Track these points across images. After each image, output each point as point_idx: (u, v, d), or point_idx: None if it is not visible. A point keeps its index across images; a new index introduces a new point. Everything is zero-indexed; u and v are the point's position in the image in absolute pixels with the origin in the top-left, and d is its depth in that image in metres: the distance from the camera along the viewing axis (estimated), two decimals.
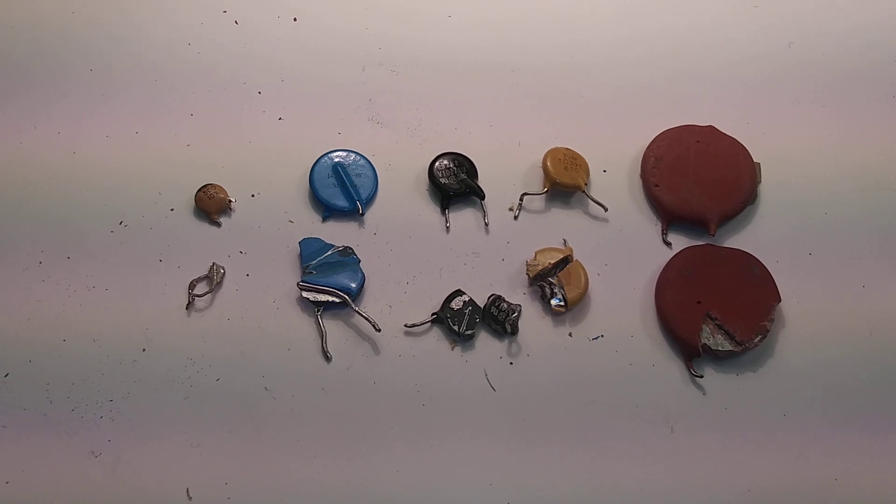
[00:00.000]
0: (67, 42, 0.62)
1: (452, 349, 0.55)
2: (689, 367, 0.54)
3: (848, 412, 0.53)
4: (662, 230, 0.58)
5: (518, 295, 0.56)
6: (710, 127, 0.60)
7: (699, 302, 0.55)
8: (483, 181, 0.59)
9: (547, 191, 0.58)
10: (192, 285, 0.55)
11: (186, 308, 0.55)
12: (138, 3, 0.64)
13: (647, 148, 0.59)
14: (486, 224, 0.58)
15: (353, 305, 0.54)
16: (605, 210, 0.58)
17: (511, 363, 0.54)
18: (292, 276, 0.56)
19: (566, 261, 0.56)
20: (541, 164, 0.58)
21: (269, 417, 0.52)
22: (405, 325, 0.55)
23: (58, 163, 0.59)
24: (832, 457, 0.52)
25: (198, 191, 0.57)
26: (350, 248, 0.56)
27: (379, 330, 0.54)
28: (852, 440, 0.53)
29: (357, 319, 0.55)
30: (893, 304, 0.56)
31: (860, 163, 0.60)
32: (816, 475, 0.52)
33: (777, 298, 0.55)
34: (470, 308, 0.55)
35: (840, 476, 0.52)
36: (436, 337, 0.55)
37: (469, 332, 0.54)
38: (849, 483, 0.52)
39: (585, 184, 0.58)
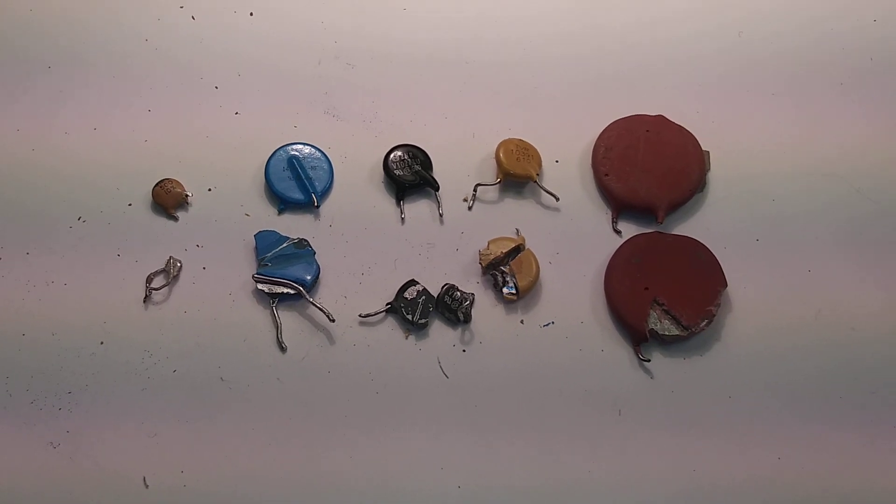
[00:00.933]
0: (25, 39, 0.63)
1: (406, 338, 0.56)
2: (637, 352, 0.55)
3: (792, 395, 0.55)
4: (612, 219, 0.59)
5: (471, 284, 0.57)
6: (660, 116, 0.61)
7: (647, 288, 0.56)
8: (437, 173, 0.60)
9: (500, 181, 0.59)
10: (149, 279, 0.56)
11: (144, 301, 0.56)
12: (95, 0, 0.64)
13: (598, 138, 0.60)
14: (441, 215, 0.59)
15: (307, 296, 0.55)
16: (557, 200, 0.59)
17: (464, 351, 0.55)
18: (248, 268, 0.57)
19: (518, 250, 0.57)
20: (494, 156, 0.59)
21: (224, 407, 0.53)
22: (360, 315, 0.56)
23: (16, 159, 0.59)
24: (776, 438, 0.53)
25: (155, 185, 0.58)
26: (305, 240, 0.57)
27: (333, 320, 0.55)
28: (796, 422, 0.54)
29: (312, 310, 0.56)
30: (838, 289, 0.57)
31: (807, 151, 0.61)
32: (760, 456, 0.53)
33: (723, 284, 0.56)
34: (424, 297, 0.56)
35: (783, 456, 0.53)
36: (390, 326, 0.56)
37: (423, 321, 0.55)
38: (791, 463, 0.53)
39: (537, 174, 0.59)
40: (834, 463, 0.53)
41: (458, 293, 0.56)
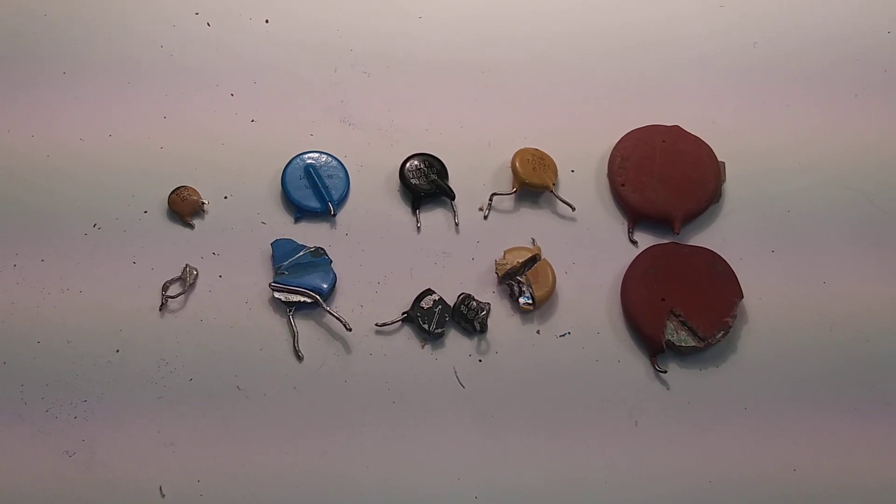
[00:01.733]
0: (40, 45, 0.63)
1: (422, 347, 0.56)
2: (653, 363, 0.55)
3: (807, 406, 0.55)
4: (628, 229, 0.59)
5: (487, 294, 0.57)
6: (676, 127, 0.61)
7: (663, 299, 0.56)
8: (453, 181, 0.60)
9: (516, 191, 0.59)
10: (165, 286, 0.56)
11: (160, 309, 0.56)
12: (111, 5, 0.64)
13: (614, 148, 0.60)
14: (457, 224, 0.59)
15: (324, 305, 0.55)
16: (573, 209, 0.59)
17: (480, 360, 0.55)
18: (265, 276, 0.57)
19: (534, 260, 0.57)
20: (510, 165, 0.59)
21: (241, 416, 0.53)
22: (376, 325, 0.56)
23: (31, 166, 0.59)
24: (791, 449, 0.53)
25: (171, 193, 0.58)
26: (322, 249, 0.57)
27: (350, 329, 0.55)
28: (811, 433, 0.54)
29: (328, 319, 0.56)
30: (854, 301, 0.57)
31: (823, 161, 0.61)
32: (776, 467, 0.53)
33: (739, 295, 0.56)
34: (440, 307, 0.56)
35: (799, 468, 0.53)
36: (406, 336, 0.56)
37: (439, 330, 0.55)
38: (807, 474, 0.53)
39: (553, 184, 0.59)
40: (850, 473, 0.53)
41: (475, 303, 0.56)
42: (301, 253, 0.57)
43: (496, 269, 0.57)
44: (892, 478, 0.53)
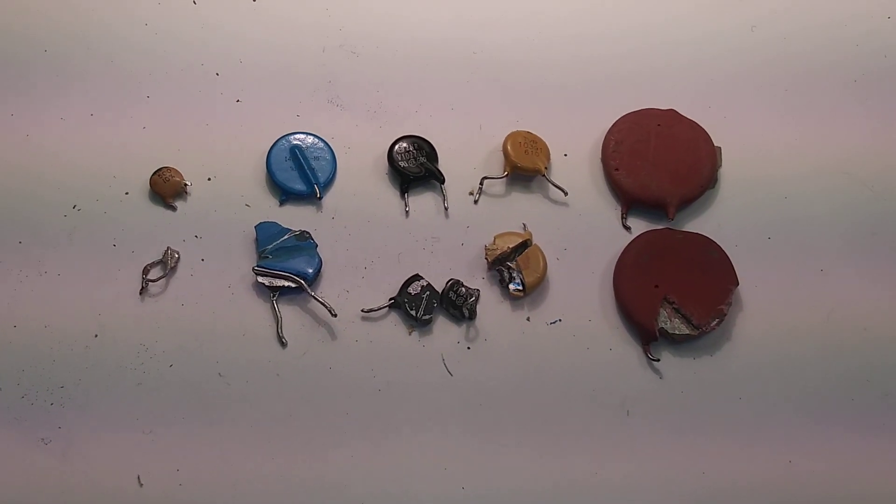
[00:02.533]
0: (21, 23, 0.61)
1: (410, 334, 0.54)
2: (646, 352, 0.54)
3: (803, 396, 0.53)
4: (622, 214, 0.58)
5: (477, 279, 0.56)
6: (671, 111, 0.59)
7: (657, 286, 0.55)
8: (443, 165, 0.58)
9: (507, 175, 0.58)
10: (146, 270, 0.54)
11: (140, 293, 0.54)
12: None
13: (608, 132, 0.59)
14: (446, 208, 0.58)
15: (309, 290, 0.54)
16: (566, 194, 0.58)
17: (468, 348, 0.54)
18: (248, 260, 0.55)
19: (525, 245, 0.56)
20: (501, 148, 0.58)
21: (222, 404, 0.52)
22: (362, 310, 0.54)
23: (11, 146, 0.57)
24: (786, 440, 0.52)
25: (153, 174, 0.56)
26: (307, 233, 0.56)
27: (335, 315, 0.53)
28: (806, 424, 0.53)
29: (313, 305, 0.54)
30: (850, 289, 0.56)
31: (820, 149, 0.60)
32: (771, 458, 0.52)
33: (735, 282, 0.55)
34: (428, 293, 0.54)
35: (794, 458, 0.52)
36: (393, 322, 0.55)
37: (427, 316, 0.54)
38: (802, 465, 0.52)
39: (546, 168, 0.58)
40: (845, 465, 0.52)
41: (464, 289, 0.54)
42: (286, 236, 0.55)
43: (486, 254, 0.55)
44: (888, 468, 0.52)
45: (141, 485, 0.50)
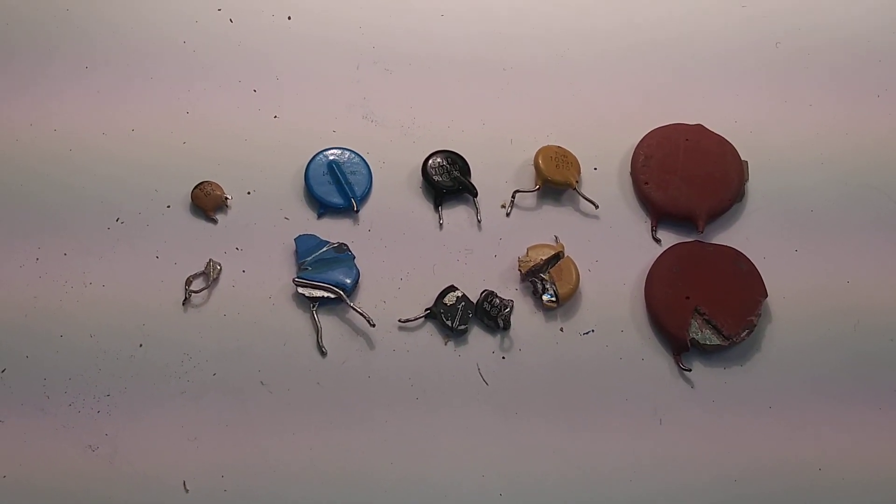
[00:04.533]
0: (63, 39, 0.63)
1: (445, 344, 0.56)
2: (677, 361, 0.55)
3: (832, 405, 0.54)
4: (652, 227, 0.59)
5: (510, 290, 0.57)
6: (699, 125, 0.61)
7: (688, 297, 0.56)
8: (476, 178, 0.60)
9: (539, 188, 0.59)
10: (188, 281, 0.56)
11: (183, 304, 0.55)
12: (134, 2, 0.64)
13: (637, 146, 0.60)
14: (479, 221, 0.59)
15: (347, 301, 0.55)
16: (596, 207, 0.59)
17: (503, 357, 0.55)
18: (288, 272, 0.57)
19: (557, 257, 0.57)
20: (532, 162, 0.59)
21: (264, 411, 0.53)
22: (399, 321, 0.55)
23: (55, 160, 0.59)
24: (816, 448, 0.53)
25: (194, 188, 0.58)
26: (345, 245, 0.57)
27: (373, 325, 0.54)
28: (835, 432, 0.54)
29: (352, 315, 0.56)
30: (877, 300, 0.57)
31: (846, 161, 0.61)
32: (801, 466, 0.53)
33: (764, 294, 0.56)
34: (463, 303, 0.56)
35: (824, 467, 0.53)
36: (429, 332, 0.56)
37: (462, 327, 0.55)
38: (832, 474, 0.53)
39: (576, 181, 0.59)
40: (875, 473, 0.53)
41: (498, 300, 0.56)
42: (324, 248, 0.57)
43: (519, 266, 0.57)
44: None
45: (187, 490, 0.51)
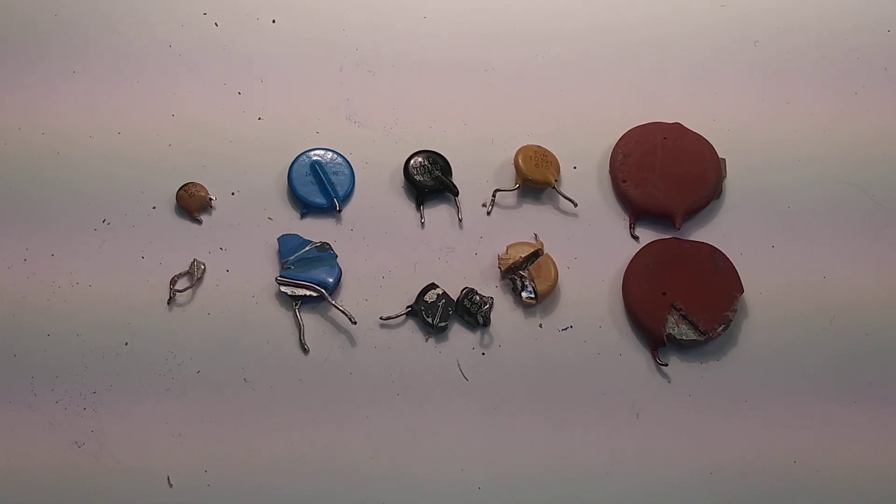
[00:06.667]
0: (51, 43, 0.64)
1: (426, 340, 0.56)
2: (654, 356, 0.56)
3: (807, 399, 0.55)
4: (630, 224, 0.60)
5: (490, 288, 0.58)
6: (677, 124, 0.61)
7: (664, 293, 0.56)
8: (457, 178, 0.60)
9: (518, 187, 0.60)
10: (173, 281, 0.57)
11: (168, 303, 0.56)
12: (122, 5, 0.65)
13: (616, 145, 0.61)
14: (460, 220, 0.60)
15: (329, 299, 0.56)
16: (575, 205, 0.60)
17: (483, 353, 0.56)
18: (271, 271, 0.57)
19: (537, 254, 0.58)
20: (513, 161, 0.60)
21: (247, 407, 0.54)
22: (380, 318, 0.56)
23: (42, 163, 0.60)
24: (791, 441, 0.54)
25: (179, 189, 0.59)
26: (327, 244, 0.58)
27: (355, 322, 0.55)
28: (810, 425, 0.55)
29: (334, 313, 0.56)
30: (852, 295, 0.58)
31: (822, 158, 0.62)
32: (776, 459, 0.54)
33: (740, 289, 0.57)
34: (443, 301, 0.56)
35: (799, 460, 0.54)
36: (410, 329, 0.57)
37: (442, 324, 0.56)
38: (807, 467, 0.54)
39: (556, 180, 0.60)
40: (850, 465, 0.54)
41: (478, 297, 0.56)
42: (307, 248, 0.58)
43: (499, 263, 0.58)
44: (891, 469, 0.54)
45: (171, 485, 0.52)
